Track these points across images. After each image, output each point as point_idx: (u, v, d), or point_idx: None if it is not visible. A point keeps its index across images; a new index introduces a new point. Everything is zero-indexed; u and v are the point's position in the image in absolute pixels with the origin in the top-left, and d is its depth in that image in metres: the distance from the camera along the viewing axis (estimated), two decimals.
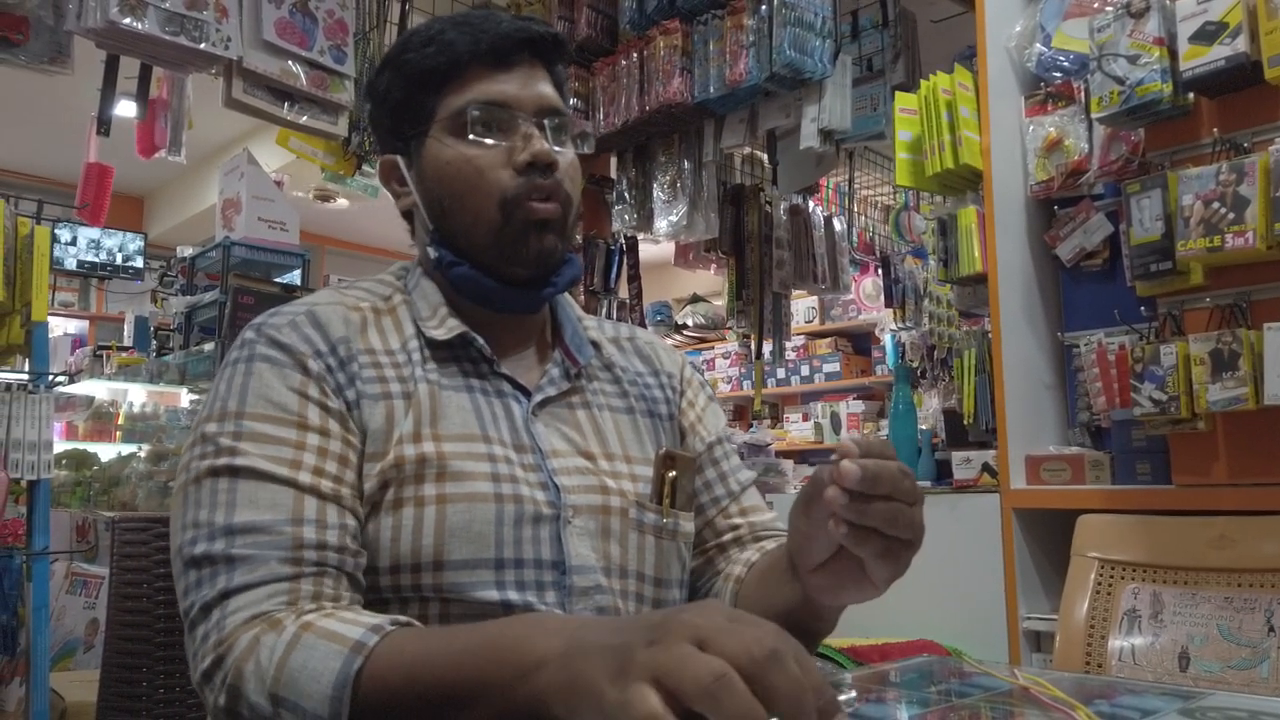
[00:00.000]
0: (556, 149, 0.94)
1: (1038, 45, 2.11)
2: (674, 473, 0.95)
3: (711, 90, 2.69)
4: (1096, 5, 1.99)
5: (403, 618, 0.76)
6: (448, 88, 0.94)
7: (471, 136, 0.92)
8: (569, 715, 0.58)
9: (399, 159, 0.99)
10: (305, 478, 0.81)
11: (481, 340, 0.94)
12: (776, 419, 6.39)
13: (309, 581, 0.78)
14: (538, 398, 0.95)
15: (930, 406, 3.17)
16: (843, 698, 0.53)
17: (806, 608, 0.86)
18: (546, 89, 0.96)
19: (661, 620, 0.56)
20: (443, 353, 0.94)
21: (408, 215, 1.01)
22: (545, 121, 0.94)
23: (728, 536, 1.04)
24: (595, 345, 1.03)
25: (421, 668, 0.68)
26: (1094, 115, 1.88)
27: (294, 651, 0.71)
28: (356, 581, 0.82)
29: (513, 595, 0.84)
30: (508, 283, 0.95)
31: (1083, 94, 2.06)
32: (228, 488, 0.80)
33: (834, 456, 0.72)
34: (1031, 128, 2.13)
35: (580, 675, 0.58)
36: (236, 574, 0.77)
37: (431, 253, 0.96)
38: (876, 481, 0.70)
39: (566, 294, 1.04)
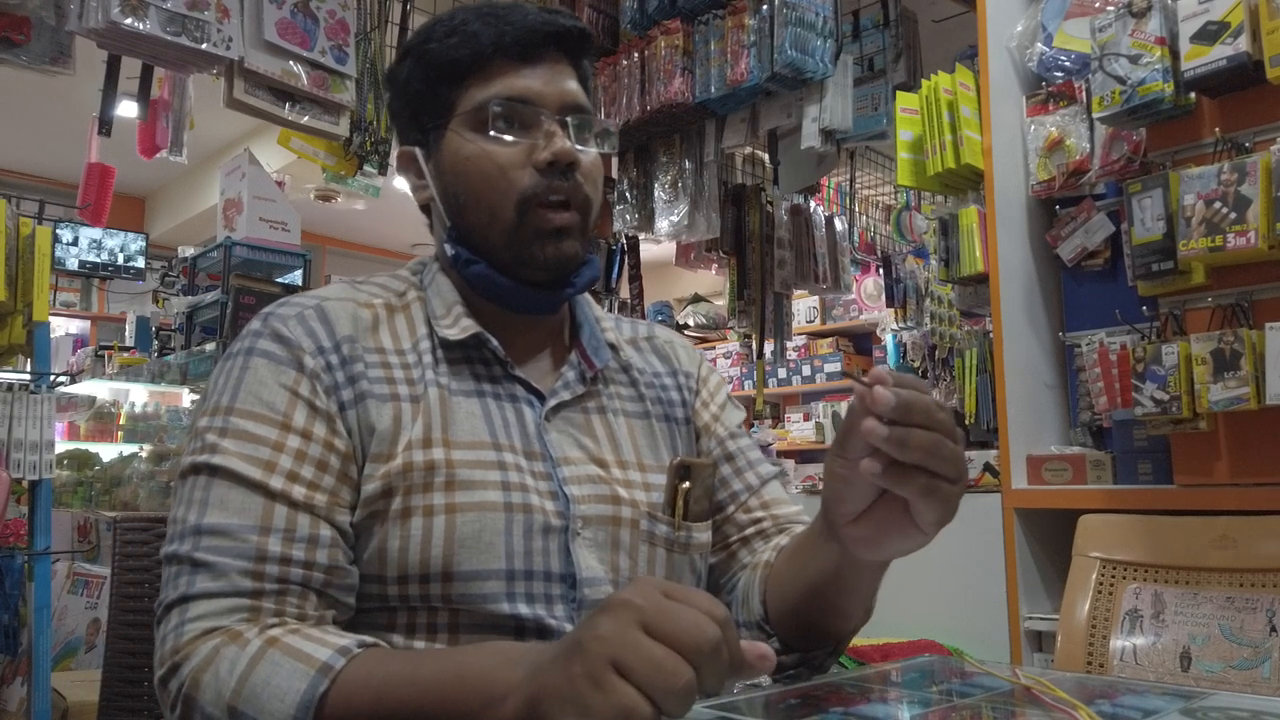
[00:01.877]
0: (579, 148, 0.92)
1: (1039, 45, 2.11)
2: (687, 484, 0.92)
3: (713, 90, 2.69)
4: (1098, 5, 1.99)
5: (369, 639, 0.75)
6: (470, 80, 0.92)
7: (492, 132, 0.90)
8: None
9: (417, 151, 0.97)
10: (278, 482, 0.80)
11: (495, 342, 0.92)
12: (778, 419, 6.39)
13: (271, 600, 0.77)
14: (552, 402, 0.93)
15: None
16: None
17: (842, 573, 0.83)
18: (571, 85, 0.94)
19: (603, 608, 0.58)
20: (455, 354, 0.92)
21: (425, 209, 1.00)
22: (568, 119, 0.92)
23: (750, 530, 1.01)
24: (613, 348, 1.01)
25: (388, 695, 0.68)
26: (1095, 115, 1.88)
27: (258, 666, 0.71)
28: (328, 598, 0.80)
29: (523, 608, 0.83)
30: (524, 283, 0.93)
31: (1084, 94, 2.06)
32: (204, 486, 0.80)
33: (867, 379, 0.68)
34: (1033, 127, 2.13)
35: (542, 693, 0.59)
36: (198, 579, 0.76)
37: (448, 249, 0.94)
38: (911, 409, 0.66)
39: (585, 294, 1.02)
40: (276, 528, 0.78)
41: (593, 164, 0.94)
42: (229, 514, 0.78)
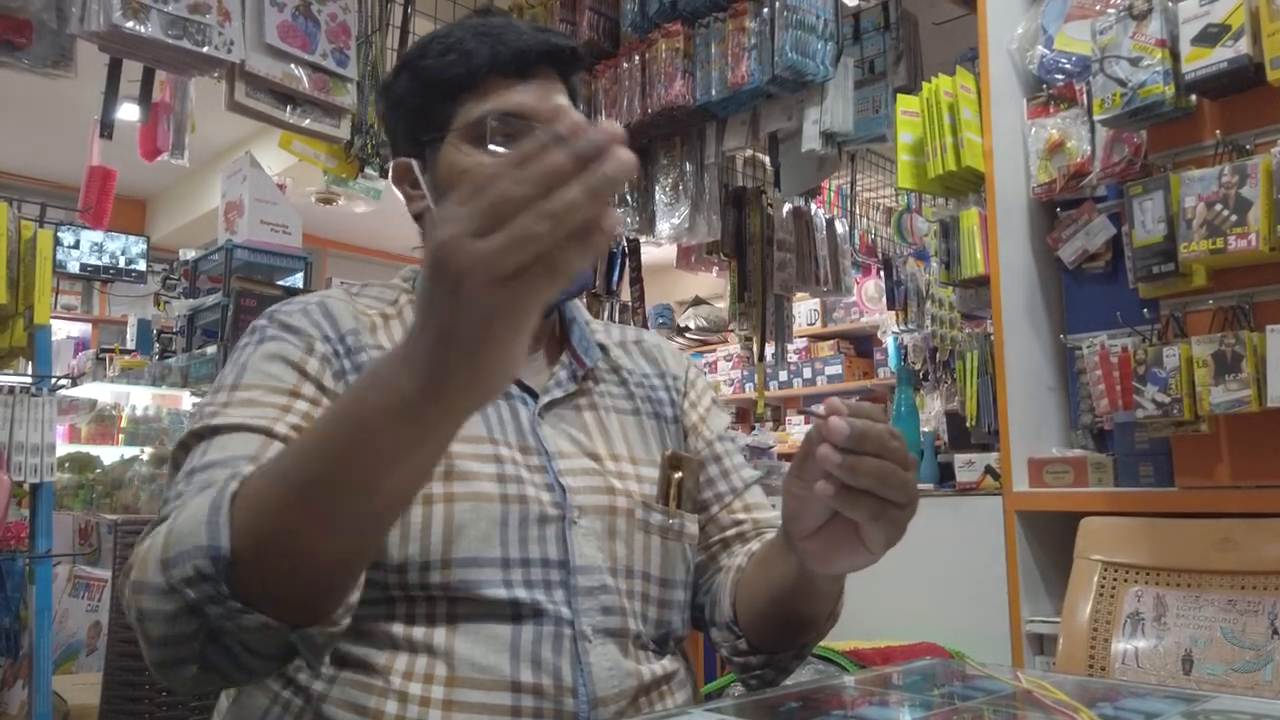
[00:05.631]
0: None
1: (1039, 47, 2.11)
2: (680, 474, 0.96)
3: (713, 92, 2.69)
4: (1098, 7, 1.99)
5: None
6: (466, 96, 0.94)
7: (490, 146, 0.93)
8: (465, 394, 0.56)
9: (413, 163, 0.99)
10: (281, 428, 0.81)
11: None
12: (778, 421, 6.39)
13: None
14: (544, 399, 0.96)
15: (932, 409, 3.17)
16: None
17: (801, 583, 0.86)
18: (563, 101, 0.97)
19: (426, 260, 0.53)
20: None
21: (419, 218, 1.02)
22: None
23: (731, 532, 1.04)
24: (602, 348, 1.04)
25: (288, 462, 0.65)
26: (1096, 117, 1.88)
27: (179, 517, 0.69)
28: None
29: (520, 593, 0.85)
30: None
31: (1085, 96, 2.06)
32: (204, 446, 0.81)
33: (821, 410, 0.72)
34: (1033, 130, 2.13)
35: (428, 355, 0.55)
36: (180, 504, 0.73)
37: None
38: (864, 439, 0.70)
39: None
40: (267, 457, 0.78)
41: None
42: (226, 451, 0.79)
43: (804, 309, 6.11)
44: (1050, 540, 1.96)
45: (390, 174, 1.04)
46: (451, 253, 0.51)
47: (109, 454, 4.27)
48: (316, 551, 0.65)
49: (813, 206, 3.59)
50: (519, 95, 0.94)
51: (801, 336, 6.12)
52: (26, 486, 2.30)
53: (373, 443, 0.59)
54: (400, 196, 1.02)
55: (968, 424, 2.61)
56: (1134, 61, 1.77)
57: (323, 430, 0.63)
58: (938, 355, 3.14)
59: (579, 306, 1.07)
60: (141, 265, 6.24)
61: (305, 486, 0.62)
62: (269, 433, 0.81)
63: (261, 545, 0.64)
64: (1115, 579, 1.60)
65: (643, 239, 3.42)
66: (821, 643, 1.03)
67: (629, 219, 3.25)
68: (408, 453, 0.60)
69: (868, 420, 0.71)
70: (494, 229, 0.51)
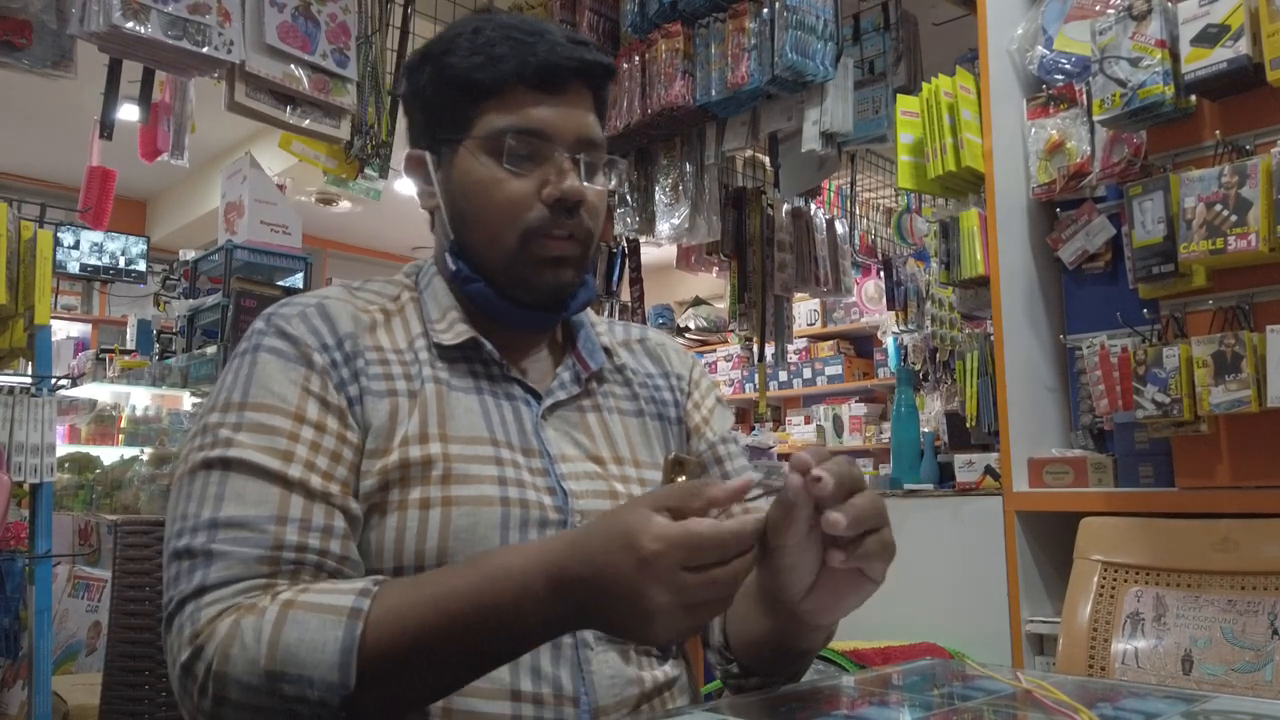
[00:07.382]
0: (586, 184, 0.92)
1: (1039, 48, 2.11)
2: (683, 477, 0.94)
3: (713, 93, 2.69)
4: (1098, 8, 1.99)
5: (378, 576, 0.79)
6: (489, 103, 0.91)
7: (506, 163, 0.90)
8: (603, 615, 0.70)
9: (428, 156, 0.97)
10: (295, 472, 0.81)
11: (490, 345, 0.93)
12: (778, 422, 6.39)
13: (285, 579, 0.78)
14: (548, 401, 0.95)
15: (932, 409, 3.17)
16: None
17: (793, 627, 0.84)
18: (588, 118, 0.94)
19: (632, 547, 0.69)
20: (452, 354, 0.93)
21: (431, 213, 1.00)
22: (581, 157, 0.92)
23: None
24: (607, 350, 1.02)
25: (427, 618, 0.72)
26: (1096, 117, 1.88)
27: (284, 628, 0.72)
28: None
29: None
30: (520, 304, 0.94)
31: (1085, 96, 2.06)
32: (218, 480, 0.80)
33: (787, 469, 0.71)
34: (1033, 130, 2.13)
35: (605, 572, 0.68)
36: (214, 569, 0.77)
37: (450, 262, 0.95)
38: (843, 481, 0.70)
39: None
40: (293, 517, 0.79)
41: (598, 197, 0.95)
42: (245, 506, 0.79)
43: (804, 309, 6.11)
44: (1050, 540, 1.96)
45: (404, 162, 1.02)
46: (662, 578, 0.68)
47: (109, 454, 4.27)
48: (444, 690, 0.78)
49: (812, 207, 3.59)
50: (543, 111, 0.91)
51: (801, 337, 6.12)
52: (26, 487, 2.30)
53: (515, 632, 0.73)
54: (400, 192, 1.01)
55: (968, 424, 2.61)
56: (1134, 62, 1.77)
57: (461, 600, 0.73)
58: (938, 355, 3.14)
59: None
60: (141, 265, 6.26)
61: (442, 648, 0.73)
62: (284, 480, 0.80)
63: (393, 693, 0.74)
64: (1115, 579, 1.60)
65: (643, 239, 3.42)
66: None
67: (629, 219, 3.25)
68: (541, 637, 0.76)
69: (828, 461, 0.71)
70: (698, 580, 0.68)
